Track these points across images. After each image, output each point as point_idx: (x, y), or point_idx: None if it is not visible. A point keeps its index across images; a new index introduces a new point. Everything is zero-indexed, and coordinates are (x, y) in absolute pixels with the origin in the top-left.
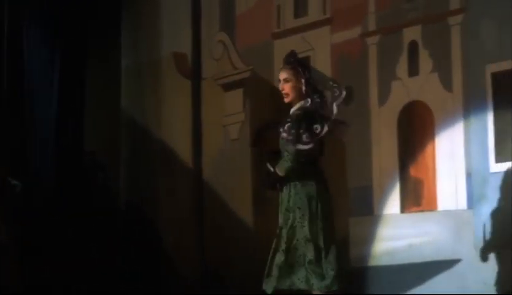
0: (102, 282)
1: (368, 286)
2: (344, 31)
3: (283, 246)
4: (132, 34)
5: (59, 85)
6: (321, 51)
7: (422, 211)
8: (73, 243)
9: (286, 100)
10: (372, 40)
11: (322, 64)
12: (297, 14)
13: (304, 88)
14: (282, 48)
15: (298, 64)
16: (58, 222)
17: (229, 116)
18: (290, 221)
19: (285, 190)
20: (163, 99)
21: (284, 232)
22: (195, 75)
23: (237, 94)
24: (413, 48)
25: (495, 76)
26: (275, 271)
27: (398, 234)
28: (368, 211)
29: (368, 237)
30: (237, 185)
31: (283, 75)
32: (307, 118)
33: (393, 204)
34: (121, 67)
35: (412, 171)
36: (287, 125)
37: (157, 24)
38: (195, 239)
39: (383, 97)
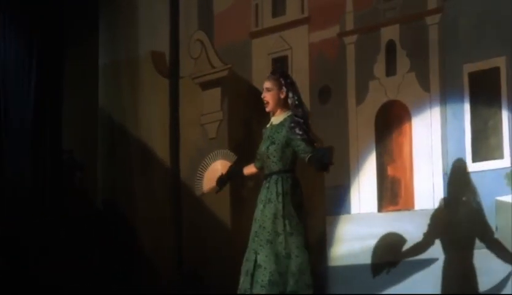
0: (78, 283)
1: (344, 285)
2: (321, 30)
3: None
4: (110, 32)
5: (36, 83)
6: (299, 51)
7: (399, 210)
8: (50, 243)
9: (267, 109)
10: (350, 40)
11: (300, 63)
12: (275, 13)
13: (285, 99)
14: (260, 47)
15: (282, 76)
16: (34, 222)
17: (207, 115)
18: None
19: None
20: (141, 97)
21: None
22: (173, 73)
23: (215, 93)
24: (391, 47)
25: (472, 76)
26: None
27: (375, 233)
28: (345, 210)
29: (345, 236)
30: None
31: (266, 84)
32: (306, 125)
33: (370, 203)
34: (98, 65)
35: (390, 171)
36: (296, 128)
37: (135, 22)
38: (173, 239)
39: (360, 96)
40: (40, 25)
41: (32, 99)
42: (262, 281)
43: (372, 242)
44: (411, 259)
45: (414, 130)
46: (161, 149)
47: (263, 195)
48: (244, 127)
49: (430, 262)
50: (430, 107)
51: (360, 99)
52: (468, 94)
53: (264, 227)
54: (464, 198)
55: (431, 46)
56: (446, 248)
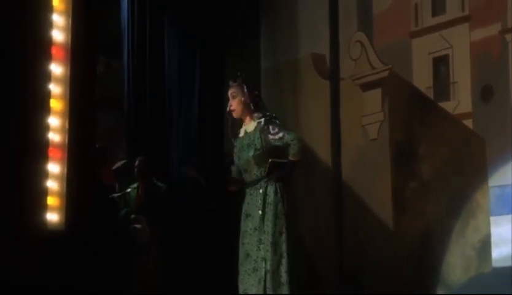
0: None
1: (510, 286)
2: (483, 28)
3: None
4: (271, 37)
5: (200, 85)
6: (460, 50)
7: None
8: (213, 245)
9: (234, 115)
10: None
11: (461, 62)
12: (435, 12)
13: (251, 103)
14: (420, 46)
15: (243, 82)
16: (198, 221)
17: (367, 116)
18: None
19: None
20: (302, 99)
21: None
22: (333, 75)
23: (376, 94)
24: None
25: None
26: None
27: None
28: (509, 210)
29: (510, 237)
30: (377, 185)
31: (230, 91)
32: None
33: None
34: (260, 67)
35: None
36: (272, 131)
37: (295, 27)
38: (334, 241)
39: None
40: (202, 33)
41: (196, 102)
42: (273, 286)
43: None
44: None
45: None
46: (322, 150)
47: (256, 202)
48: (405, 128)
49: None
50: None
51: None
52: None
53: (267, 232)
54: None
55: None
56: None
